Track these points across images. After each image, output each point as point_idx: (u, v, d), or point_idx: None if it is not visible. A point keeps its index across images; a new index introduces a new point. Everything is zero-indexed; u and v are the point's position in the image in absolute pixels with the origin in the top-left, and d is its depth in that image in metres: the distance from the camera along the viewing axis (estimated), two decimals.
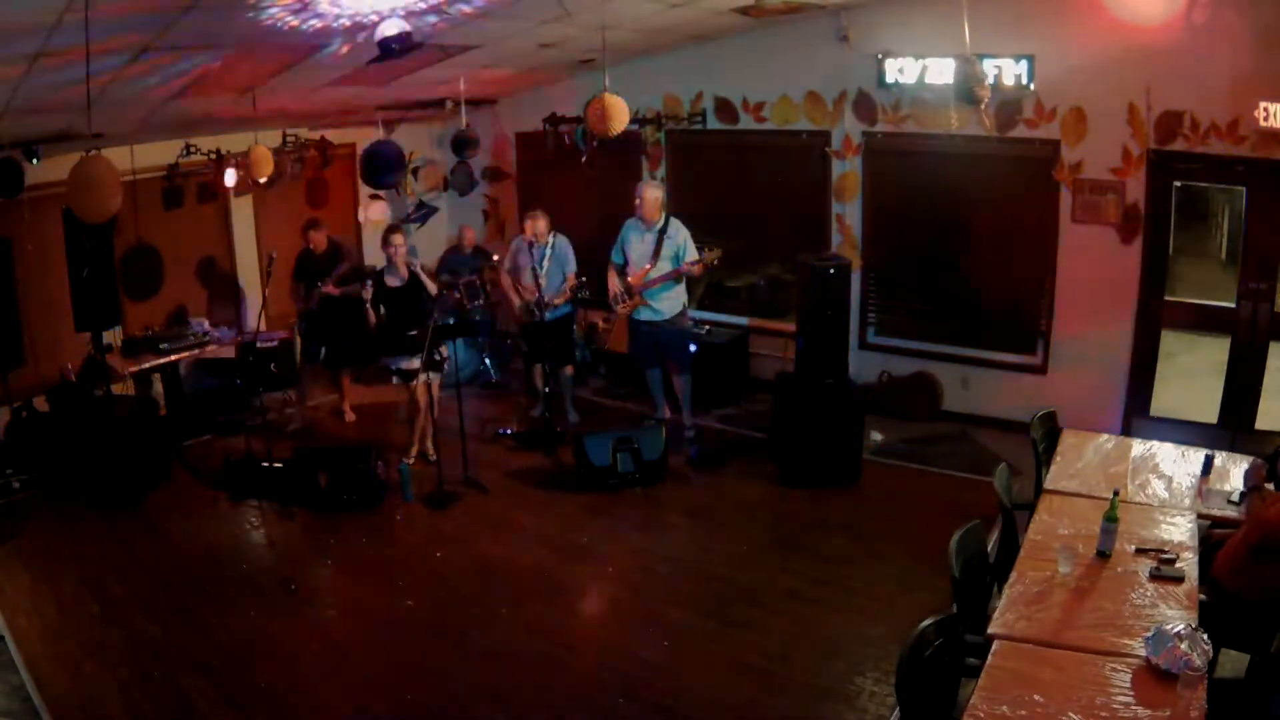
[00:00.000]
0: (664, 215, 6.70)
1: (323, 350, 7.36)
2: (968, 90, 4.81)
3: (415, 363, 6.29)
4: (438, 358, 6.39)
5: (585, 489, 6.24)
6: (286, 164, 7.49)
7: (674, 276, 6.68)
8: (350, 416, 7.58)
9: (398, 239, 6.50)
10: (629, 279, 6.77)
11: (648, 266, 6.68)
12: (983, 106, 5.10)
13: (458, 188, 9.32)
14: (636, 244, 6.76)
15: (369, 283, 6.38)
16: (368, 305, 6.37)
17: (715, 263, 6.64)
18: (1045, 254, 6.66)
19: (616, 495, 6.19)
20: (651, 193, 6.65)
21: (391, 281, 6.47)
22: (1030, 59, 6.19)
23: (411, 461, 6.58)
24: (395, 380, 6.70)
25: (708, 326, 7.90)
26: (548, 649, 4.58)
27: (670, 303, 6.78)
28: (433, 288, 6.51)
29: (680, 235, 6.68)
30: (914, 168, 7.08)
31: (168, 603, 5.00)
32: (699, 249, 6.65)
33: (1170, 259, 6.46)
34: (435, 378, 6.48)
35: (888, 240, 7.40)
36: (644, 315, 6.81)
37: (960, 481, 6.20)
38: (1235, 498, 4.16)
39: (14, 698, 4.16)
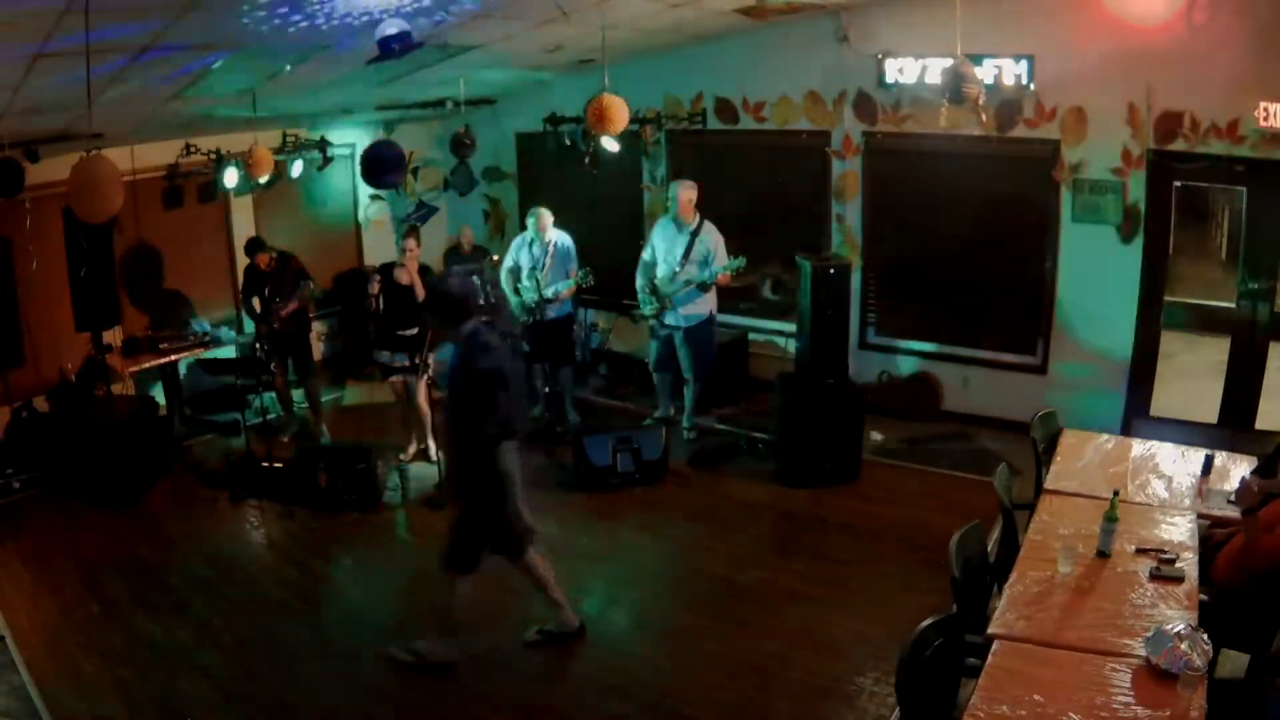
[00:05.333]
0: (698, 217, 6.67)
1: (290, 365, 7.15)
2: (956, 90, 4.79)
3: (405, 361, 6.30)
4: (417, 361, 6.37)
5: (585, 489, 6.24)
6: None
7: (699, 285, 6.62)
8: (326, 438, 7.18)
9: (410, 243, 6.51)
10: (656, 280, 6.74)
11: (676, 269, 6.66)
12: (980, 102, 5.08)
13: (458, 188, 9.32)
14: (667, 243, 6.73)
15: (378, 277, 6.39)
16: (373, 299, 6.37)
17: (740, 271, 6.59)
18: (1045, 254, 6.66)
19: (616, 495, 6.19)
20: (685, 193, 6.61)
21: (402, 279, 6.47)
22: (1030, 59, 6.19)
23: (406, 460, 6.60)
24: (379, 375, 6.69)
25: None
26: (547, 649, 4.57)
27: (695, 308, 6.73)
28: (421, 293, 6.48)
29: (712, 239, 6.64)
30: (914, 168, 7.07)
31: (168, 603, 5.00)
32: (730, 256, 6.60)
33: (1170, 259, 6.46)
34: (416, 379, 6.44)
35: (888, 240, 7.40)
36: (667, 319, 6.79)
37: (960, 481, 6.20)
38: (1234, 498, 4.15)
39: (14, 698, 4.16)
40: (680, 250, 6.64)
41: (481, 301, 4.14)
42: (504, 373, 4.01)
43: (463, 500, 4.27)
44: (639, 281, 6.89)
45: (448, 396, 4.28)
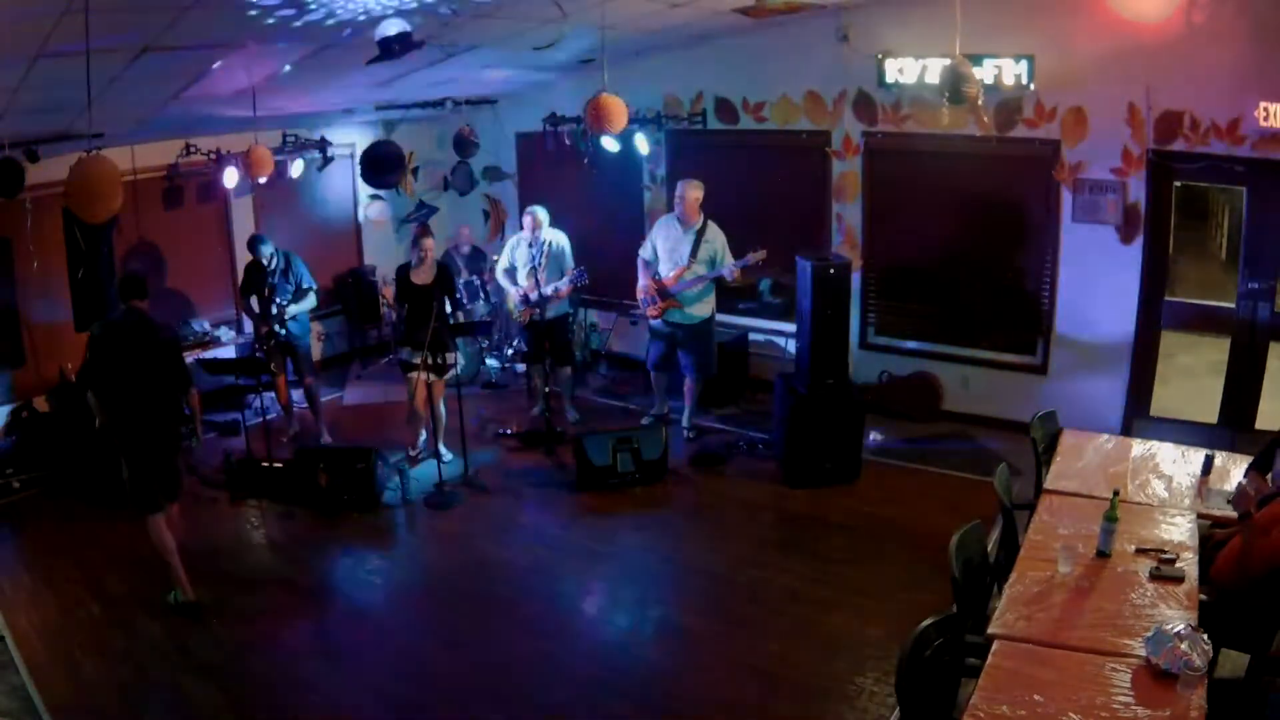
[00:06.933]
0: (702, 217, 6.65)
1: (289, 365, 7.08)
2: (955, 90, 4.79)
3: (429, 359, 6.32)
4: (441, 362, 6.39)
5: (585, 489, 6.24)
6: None
7: (711, 280, 6.62)
8: (326, 439, 7.12)
9: (428, 242, 6.55)
10: (664, 280, 6.72)
11: (682, 268, 6.64)
12: (979, 101, 5.07)
13: (458, 188, 9.32)
14: (671, 243, 6.70)
15: (389, 287, 6.42)
16: (389, 301, 6.40)
17: (760, 264, 6.57)
18: (1045, 254, 6.66)
19: (616, 495, 6.19)
20: (692, 192, 6.58)
21: (418, 279, 6.50)
22: (1030, 59, 6.19)
23: (417, 454, 6.62)
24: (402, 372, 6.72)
25: None
26: (547, 649, 4.58)
27: (700, 307, 6.73)
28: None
29: (719, 240, 6.62)
30: (914, 168, 7.08)
31: (168, 603, 4.99)
32: (740, 251, 6.56)
33: (1170, 259, 6.46)
34: (436, 379, 6.47)
35: (888, 240, 7.40)
36: (672, 317, 6.77)
37: (960, 481, 6.20)
38: (1231, 502, 4.15)
39: (14, 698, 4.17)
40: (686, 250, 6.62)
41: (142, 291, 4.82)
42: (111, 345, 4.69)
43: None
44: (641, 281, 6.88)
45: None
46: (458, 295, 7.79)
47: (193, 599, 4.87)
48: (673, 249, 6.69)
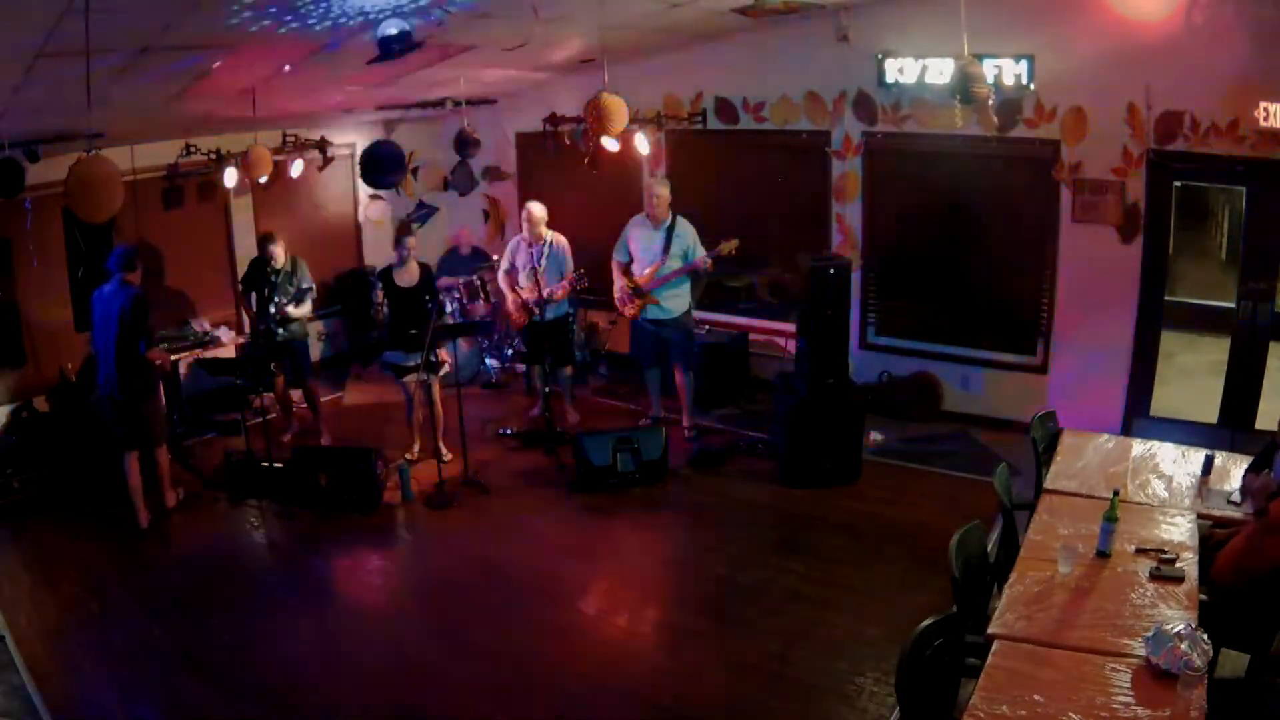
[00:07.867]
0: (672, 213, 6.71)
1: (289, 365, 7.02)
2: (966, 90, 4.80)
3: (415, 360, 6.31)
4: (434, 359, 6.39)
5: (585, 489, 6.24)
6: None
7: (686, 273, 6.70)
8: (326, 439, 7.10)
9: (411, 240, 6.57)
10: (638, 278, 6.78)
11: (657, 264, 6.69)
12: (990, 103, 5.07)
13: (458, 188, 9.32)
14: (644, 241, 6.77)
15: (380, 288, 6.43)
16: (377, 304, 6.42)
17: (733, 253, 6.62)
18: (1045, 254, 6.66)
19: (616, 495, 6.19)
20: (661, 190, 6.67)
21: (401, 280, 6.50)
22: (1030, 59, 6.19)
23: (413, 459, 6.61)
24: (388, 372, 6.73)
25: (707, 326, 7.90)
26: (547, 649, 4.58)
27: (677, 301, 6.80)
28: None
29: (689, 234, 6.71)
30: (914, 168, 7.08)
31: (168, 603, 5.00)
32: (713, 242, 6.64)
33: (1170, 259, 6.46)
34: (433, 378, 6.48)
35: (888, 240, 7.40)
36: (651, 314, 6.83)
37: (960, 481, 6.20)
38: (1235, 498, 4.16)
39: (14, 698, 4.17)
40: (659, 247, 6.69)
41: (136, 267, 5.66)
42: (94, 311, 5.66)
43: None
44: (618, 283, 6.90)
45: None
46: (440, 296, 7.76)
47: (144, 526, 5.76)
48: (646, 247, 6.76)
